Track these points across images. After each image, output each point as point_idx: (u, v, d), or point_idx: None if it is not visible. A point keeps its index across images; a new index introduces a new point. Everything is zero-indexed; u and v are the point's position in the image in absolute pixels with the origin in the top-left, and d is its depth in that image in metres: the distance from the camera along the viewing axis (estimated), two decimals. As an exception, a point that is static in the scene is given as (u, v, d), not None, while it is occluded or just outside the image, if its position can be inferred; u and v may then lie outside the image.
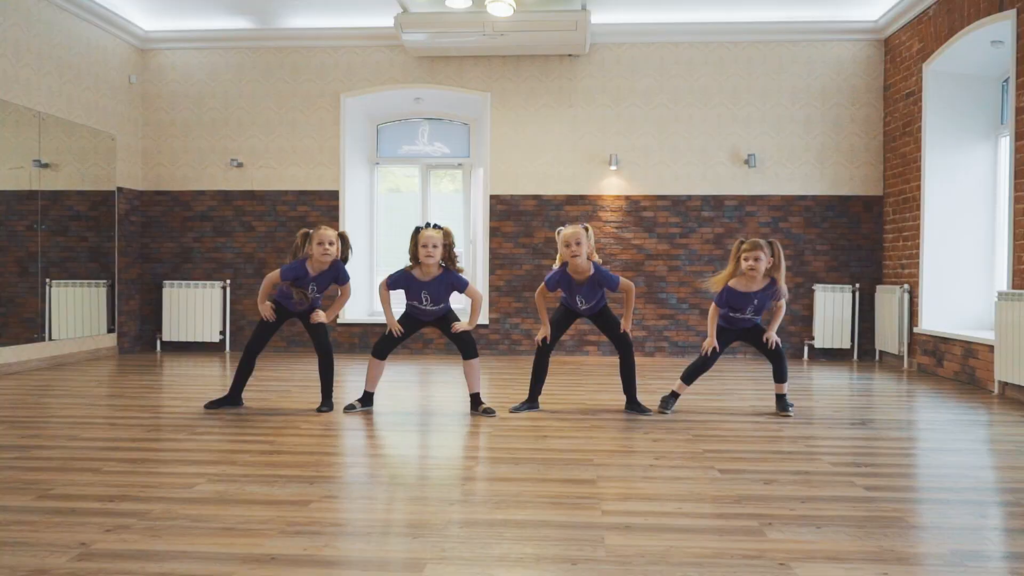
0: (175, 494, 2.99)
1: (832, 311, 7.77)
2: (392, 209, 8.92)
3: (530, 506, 2.87)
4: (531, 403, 4.85)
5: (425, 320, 4.78)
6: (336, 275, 4.81)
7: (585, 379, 6.32)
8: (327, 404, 4.84)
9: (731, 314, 4.71)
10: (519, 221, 8.15)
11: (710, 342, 4.73)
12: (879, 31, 7.77)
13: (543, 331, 4.75)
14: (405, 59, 8.14)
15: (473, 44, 7.65)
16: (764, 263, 4.54)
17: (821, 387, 6.02)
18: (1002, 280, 6.60)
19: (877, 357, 7.79)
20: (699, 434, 4.17)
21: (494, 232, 8.15)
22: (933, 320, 6.80)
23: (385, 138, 8.72)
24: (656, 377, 6.39)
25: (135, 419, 4.49)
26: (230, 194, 8.31)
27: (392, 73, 8.17)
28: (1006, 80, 6.65)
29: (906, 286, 7.13)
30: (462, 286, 4.70)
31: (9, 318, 6.62)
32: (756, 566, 2.30)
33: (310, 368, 6.87)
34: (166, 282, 8.22)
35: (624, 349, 4.75)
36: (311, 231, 4.78)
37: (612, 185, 8.04)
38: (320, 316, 4.81)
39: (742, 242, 4.65)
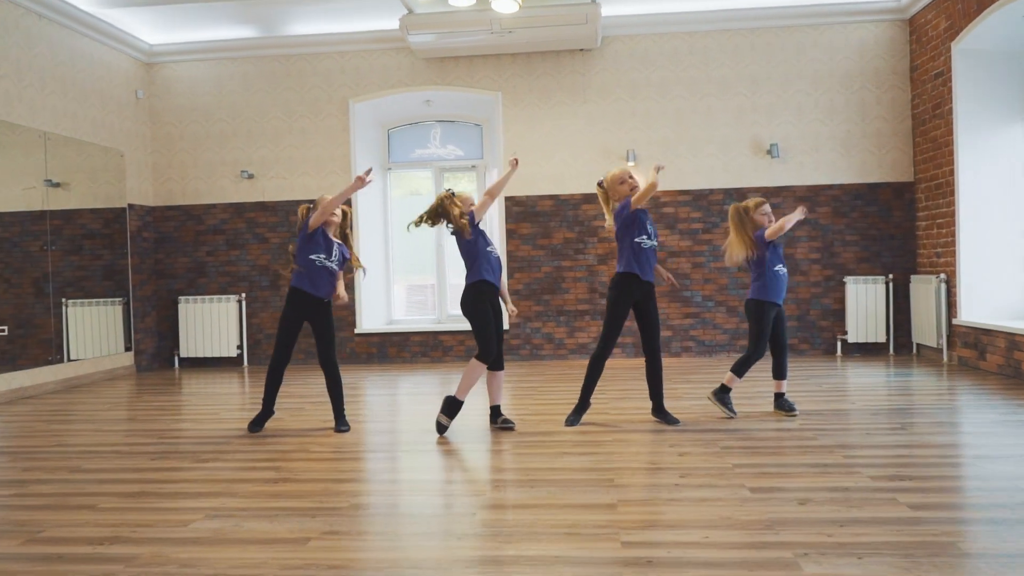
0: (168, 534, 2.83)
1: (865, 304, 7.45)
2: (412, 214, 8.69)
3: (544, 539, 2.67)
4: (581, 411, 4.65)
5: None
6: (343, 251, 4.82)
7: (607, 385, 6.08)
8: (342, 423, 4.70)
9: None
10: (536, 222, 7.93)
11: (802, 210, 4.59)
12: (903, 11, 7.43)
13: None
14: (413, 61, 7.96)
15: (481, 43, 7.45)
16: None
17: (857, 385, 5.74)
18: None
19: (914, 351, 7.46)
20: (728, 446, 3.93)
21: (511, 235, 7.94)
22: (973, 311, 6.47)
23: (397, 142, 8.55)
24: (683, 380, 6.15)
25: (141, 446, 4.36)
26: (242, 206, 8.19)
27: (400, 76, 8.00)
28: (1042, 55, 6.31)
29: (943, 276, 6.80)
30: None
31: (26, 340, 6.55)
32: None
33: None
34: (181, 297, 8.13)
35: (653, 352, 4.53)
36: (311, 205, 4.77)
37: (630, 182, 7.78)
38: (343, 292, 4.74)
39: (745, 208, 4.75)
